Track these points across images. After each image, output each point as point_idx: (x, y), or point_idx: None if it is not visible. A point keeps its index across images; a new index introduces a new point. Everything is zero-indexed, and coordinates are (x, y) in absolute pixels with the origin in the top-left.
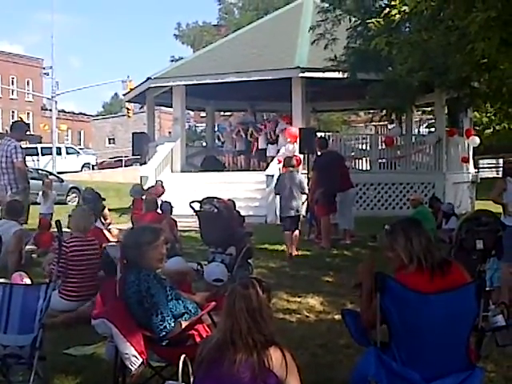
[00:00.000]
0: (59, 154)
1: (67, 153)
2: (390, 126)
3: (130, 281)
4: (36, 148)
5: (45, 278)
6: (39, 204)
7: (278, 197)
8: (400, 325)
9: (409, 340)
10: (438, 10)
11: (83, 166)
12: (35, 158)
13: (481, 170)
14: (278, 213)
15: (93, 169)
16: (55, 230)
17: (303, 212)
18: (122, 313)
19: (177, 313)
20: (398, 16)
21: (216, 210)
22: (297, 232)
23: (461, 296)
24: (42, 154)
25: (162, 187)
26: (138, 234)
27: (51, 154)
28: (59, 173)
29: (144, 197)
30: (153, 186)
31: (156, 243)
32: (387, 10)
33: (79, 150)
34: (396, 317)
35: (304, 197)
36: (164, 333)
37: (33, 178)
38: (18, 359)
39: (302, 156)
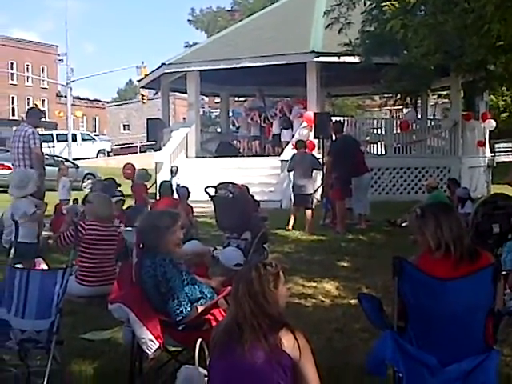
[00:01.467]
0: (74, 140)
1: (82, 139)
2: (405, 110)
3: (146, 265)
4: (51, 134)
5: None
6: (56, 191)
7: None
8: (417, 309)
9: (425, 324)
10: None
11: (98, 153)
12: (51, 144)
13: (497, 153)
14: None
15: (108, 155)
16: None
17: (318, 195)
18: (138, 298)
19: (193, 297)
20: None
21: (231, 195)
22: (309, 212)
23: (477, 280)
24: (58, 141)
25: (133, 167)
26: (155, 218)
27: (66, 140)
28: (74, 159)
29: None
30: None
31: (174, 228)
32: None
33: (94, 137)
34: (413, 301)
35: (318, 176)
36: (180, 317)
37: (49, 165)
38: (36, 344)
39: (316, 141)
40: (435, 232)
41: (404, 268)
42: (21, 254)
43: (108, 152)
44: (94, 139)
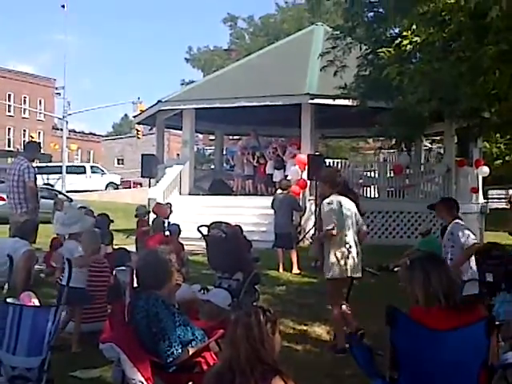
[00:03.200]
0: (84, 172)
1: (92, 172)
2: (398, 155)
3: (139, 306)
4: (60, 166)
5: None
6: (51, 223)
7: None
8: (409, 359)
9: (417, 375)
10: (450, 41)
11: (108, 185)
12: (56, 176)
13: (490, 200)
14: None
15: (117, 188)
16: None
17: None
18: (130, 338)
19: (185, 339)
20: (409, 47)
21: (224, 235)
22: (292, 252)
23: (471, 333)
24: (67, 173)
25: (170, 209)
26: (157, 258)
27: (75, 172)
28: (84, 191)
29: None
30: (160, 204)
31: (173, 269)
32: (399, 40)
33: (104, 169)
34: (405, 351)
35: (311, 221)
36: (171, 359)
37: (43, 197)
38: (26, 381)
39: (309, 182)
40: (423, 283)
41: (397, 318)
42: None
43: (117, 185)
44: (103, 172)
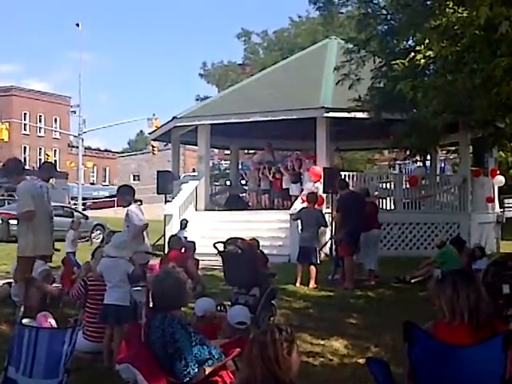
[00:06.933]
0: None
1: None
2: (412, 166)
3: (155, 326)
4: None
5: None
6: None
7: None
8: (428, 375)
9: None
10: (463, 54)
11: None
12: None
13: (506, 209)
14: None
15: None
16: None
17: (327, 250)
18: (146, 358)
19: (201, 358)
20: (422, 61)
21: (240, 251)
22: (312, 268)
23: (488, 348)
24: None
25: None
26: (174, 279)
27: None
28: None
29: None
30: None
31: (187, 289)
32: (412, 54)
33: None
34: (424, 367)
35: (328, 231)
36: (188, 378)
37: (58, 215)
38: None
39: (325, 195)
40: (451, 299)
41: (414, 334)
42: (111, 316)
43: None
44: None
